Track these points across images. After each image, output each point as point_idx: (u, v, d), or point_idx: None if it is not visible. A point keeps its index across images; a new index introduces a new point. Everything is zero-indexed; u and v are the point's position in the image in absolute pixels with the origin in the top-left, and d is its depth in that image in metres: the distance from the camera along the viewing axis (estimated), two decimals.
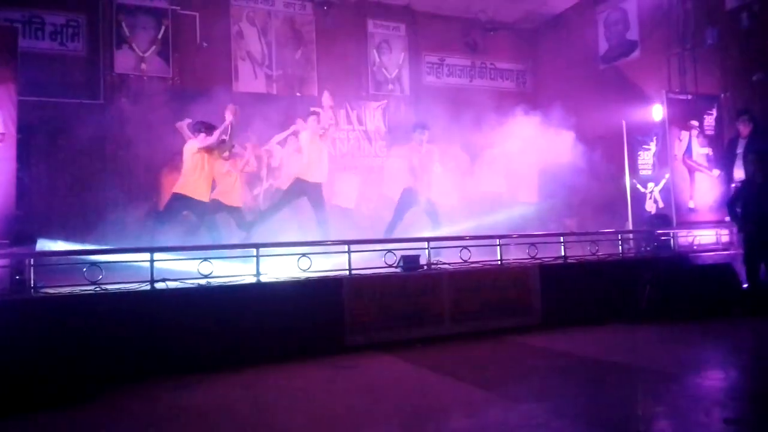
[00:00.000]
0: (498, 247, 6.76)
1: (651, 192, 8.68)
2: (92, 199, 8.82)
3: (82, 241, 7.43)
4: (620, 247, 7.54)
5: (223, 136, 7.76)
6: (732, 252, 7.82)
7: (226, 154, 7.95)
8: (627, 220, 8.97)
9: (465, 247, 6.54)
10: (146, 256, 5.36)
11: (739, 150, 8.02)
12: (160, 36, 9.86)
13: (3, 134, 5.20)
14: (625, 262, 7.28)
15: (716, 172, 8.44)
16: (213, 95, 9.50)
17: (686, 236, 7.99)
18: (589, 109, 10.09)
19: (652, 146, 8.72)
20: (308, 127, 8.37)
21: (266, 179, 9.98)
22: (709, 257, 7.68)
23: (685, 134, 8.36)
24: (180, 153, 7.92)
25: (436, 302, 6.06)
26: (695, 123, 8.41)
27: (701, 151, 8.44)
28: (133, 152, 9.30)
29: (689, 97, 8.67)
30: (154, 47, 9.81)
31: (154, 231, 7.56)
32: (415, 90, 11.96)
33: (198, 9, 10.17)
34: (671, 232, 7.94)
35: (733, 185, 8.06)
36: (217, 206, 7.99)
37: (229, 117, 7.81)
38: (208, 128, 7.65)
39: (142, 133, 9.25)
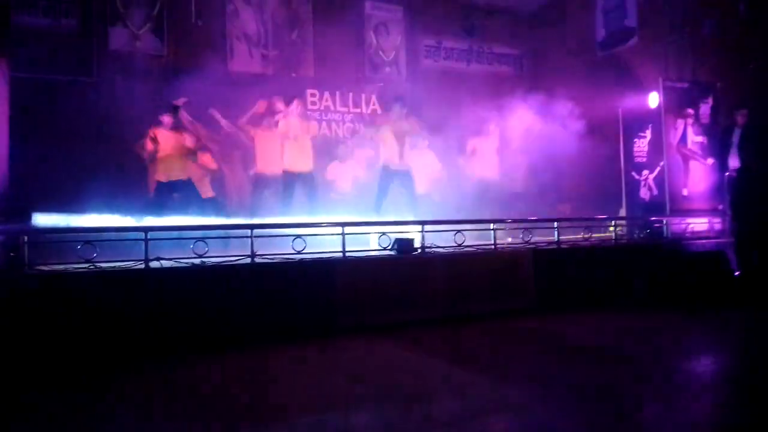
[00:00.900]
0: (492, 231, 6.78)
1: (645, 179, 8.70)
2: (86, 176, 8.74)
3: (77, 218, 7.40)
4: (614, 234, 7.58)
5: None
6: (724, 240, 7.88)
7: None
8: (621, 206, 9.01)
9: (459, 231, 6.55)
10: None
11: (735, 139, 8.05)
12: (154, 13, 9.74)
13: None
14: (618, 249, 7.32)
15: (710, 160, 8.48)
16: (207, 74, 9.42)
17: (679, 223, 8.04)
18: (586, 96, 10.06)
19: (648, 134, 8.72)
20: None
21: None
22: (701, 245, 7.74)
23: (680, 122, 8.38)
24: None
25: (430, 285, 6.08)
26: (691, 111, 8.43)
27: (696, 140, 8.47)
28: (126, 129, 9.20)
29: (686, 85, 8.67)
30: (148, 24, 9.69)
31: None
32: (412, 73, 11.89)
33: None
34: (664, 219, 7.99)
35: (727, 174, 8.10)
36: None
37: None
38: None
39: (135, 110, 9.15)
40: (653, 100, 8.57)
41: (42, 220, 6.25)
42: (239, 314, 5.24)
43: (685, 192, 8.28)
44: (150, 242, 5.33)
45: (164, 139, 7.76)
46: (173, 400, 3.85)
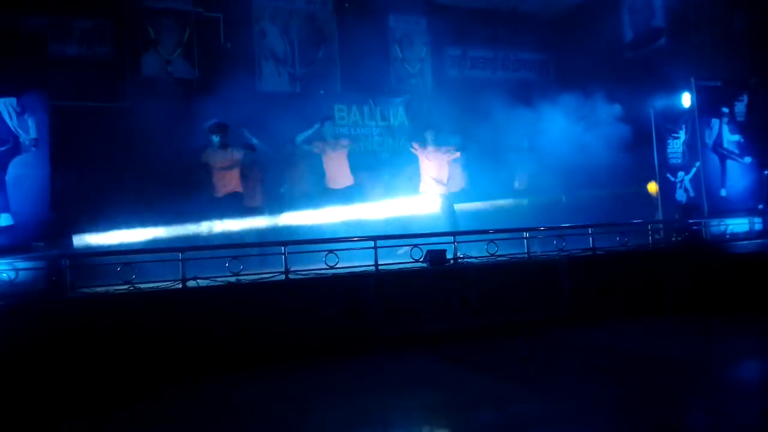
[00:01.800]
0: (525, 240, 6.72)
1: (681, 181, 8.53)
2: (123, 197, 8.97)
3: (114, 240, 7.59)
4: (650, 238, 7.44)
5: None
6: (766, 240, 7.66)
7: None
8: (657, 210, 8.84)
9: (492, 241, 6.51)
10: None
11: None
12: (184, 38, 9.97)
13: (36, 140, 5.33)
14: (655, 253, 7.17)
15: (748, 159, 8.27)
16: (237, 95, 9.59)
17: (718, 225, 7.85)
18: (615, 99, 9.95)
19: (682, 134, 8.56)
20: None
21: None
22: (742, 246, 7.53)
23: (715, 121, 8.21)
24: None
25: (464, 296, 6.05)
26: (725, 110, 8.25)
27: (732, 138, 8.28)
28: (160, 153, 9.42)
29: (718, 83, 8.49)
30: (179, 49, 9.93)
31: None
32: (438, 84, 11.91)
33: (221, 10, 10.26)
34: (702, 221, 7.80)
35: (767, 172, 7.90)
36: None
37: None
38: None
39: (168, 134, 9.36)
40: (686, 100, 8.42)
41: (82, 241, 6.43)
42: (276, 331, 5.29)
43: (723, 192, 8.09)
44: (188, 261, 5.43)
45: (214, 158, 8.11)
46: (215, 417, 3.90)
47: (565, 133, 9.57)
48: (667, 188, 8.66)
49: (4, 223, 5.12)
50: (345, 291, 5.66)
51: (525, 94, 11.05)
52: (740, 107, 8.35)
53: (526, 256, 6.61)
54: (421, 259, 6.19)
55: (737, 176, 8.19)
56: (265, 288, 5.45)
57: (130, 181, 9.11)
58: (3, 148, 5.20)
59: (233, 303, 5.29)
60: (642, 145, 9.28)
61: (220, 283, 5.40)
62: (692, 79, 8.37)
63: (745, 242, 7.65)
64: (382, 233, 7.10)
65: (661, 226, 8.06)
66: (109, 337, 4.79)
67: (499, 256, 6.47)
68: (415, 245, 6.27)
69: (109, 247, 6.84)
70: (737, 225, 7.93)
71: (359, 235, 6.89)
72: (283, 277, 5.59)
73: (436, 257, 6.21)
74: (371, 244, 6.12)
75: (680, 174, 8.52)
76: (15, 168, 5.22)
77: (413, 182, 8.94)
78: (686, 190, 8.40)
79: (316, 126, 8.88)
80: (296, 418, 3.81)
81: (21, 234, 5.16)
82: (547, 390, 4.10)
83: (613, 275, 6.65)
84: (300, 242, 6.60)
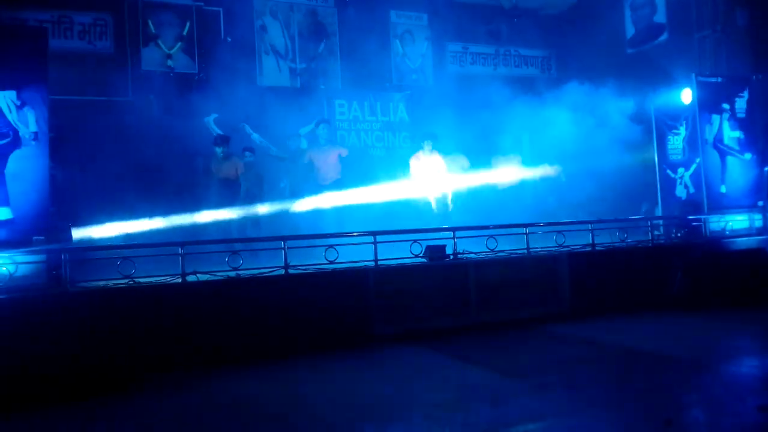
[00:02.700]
0: (525, 235, 6.72)
1: (681, 177, 8.52)
2: (123, 191, 8.98)
3: (114, 234, 7.60)
4: (650, 234, 7.44)
5: None
6: (766, 237, 7.65)
7: None
8: (657, 206, 8.84)
9: (492, 236, 6.51)
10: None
11: None
12: (185, 32, 9.96)
13: (36, 133, 5.32)
14: (655, 249, 7.17)
15: (748, 155, 8.26)
16: (238, 89, 9.59)
17: (718, 222, 7.84)
18: (617, 94, 9.92)
19: (682, 131, 8.55)
20: None
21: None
22: (742, 243, 7.53)
23: (715, 118, 8.19)
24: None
25: (463, 292, 6.05)
26: (726, 106, 8.23)
27: (733, 135, 8.26)
28: (160, 147, 9.43)
29: (719, 79, 8.47)
30: (179, 44, 9.92)
31: None
32: (439, 79, 11.89)
33: (222, 4, 10.25)
34: (702, 217, 7.80)
35: (767, 169, 7.89)
36: None
37: None
38: None
39: (169, 128, 9.38)
40: (686, 96, 8.40)
41: (81, 235, 6.44)
42: (276, 325, 5.30)
43: (723, 189, 8.08)
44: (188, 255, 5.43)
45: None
46: (213, 412, 3.91)
47: (566, 129, 9.55)
48: (667, 184, 8.66)
49: (4, 216, 5.13)
50: (344, 286, 5.66)
51: (526, 90, 11.03)
52: (741, 103, 8.33)
53: (526, 251, 6.61)
54: (421, 255, 6.19)
55: (737, 173, 8.18)
56: (264, 282, 5.45)
57: (129, 174, 9.12)
58: (3, 142, 5.20)
59: (233, 297, 5.30)
60: (643, 140, 9.28)
61: (219, 278, 5.41)
62: (693, 75, 8.35)
63: (745, 239, 7.65)
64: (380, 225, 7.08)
65: (661, 222, 8.06)
66: (109, 331, 4.79)
67: (499, 251, 6.47)
68: (415, 240, 6.26)
69: (109, 240, 6.85)
70: (737, 221, 7.92)
71: (358, 230, 6.89)
72: (282, 271, 5.60)
73: (435, 253, 6.21)
74: (371, 239, 6.12)
75: (680, 170, 8.52)
76: (15, 162, 5.22)
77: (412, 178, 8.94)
78: (686, 187, 8.40)
79: (317, 121, 8.88)
80: (296, 414, 3.82)
81: (21, 228, 5.16)
82: (547, 386, 4.10)
83: (613, 271, 6.65)
84: (299, 237, 6.60)
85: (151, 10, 9.80)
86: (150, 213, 8.05)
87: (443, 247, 6.30)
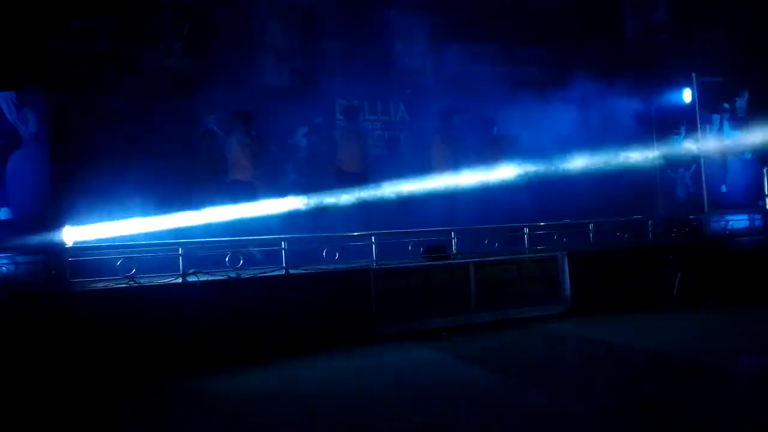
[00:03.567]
0: (525, 235, 6.72)
1: (681, 177, 8.52)
2: (123, 193, 8.98)
3: (114, 234, 7.58)
4: (650, 234, 7.43)
5: None
6: (766, 236, 7.65)
7: None
8: (657, 205, 8.83)
9: (492, 236, 6.52)
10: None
11: None
12: (184, 31, 9.94)
13: (35, 134, 5.33)
14: (655, 249, 7.17)
15: (748, 155, 8.25)
16: (237, 88, 9.57)
17: (718, 221, 7.84)
18: (617, 93, 9.92)
19: (682, 130, 8.54)
20: None
21: (292, 172, 10.02)
22: (742, 242, 7.53)
23: (716, 117, 8.19)
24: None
25: (463, 291, 6.05)
26: (726, 106, 8.23)
27: (733, 135, 8.26)
28: (161, 148, 9.43)
29: (720, 79, 8.47)
30: (179, 44, 9.91)
31: None
32: (439, 78, 11.87)
33: (222, 4, 10.23)
34: (702, 217, 7.79)
35: (767, 168, 7.89)
36: None
37: None
38: None
39: (169, 129, 9.37)
40: (687, 96, 8.40)
41: (81, 235, 6.42)
42: (276, 325, 5.29)
43: (723, 189, 8.08)
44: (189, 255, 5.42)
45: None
46: (214, 410, 3.91)
47: (567, 128, 9.54)
48: (667, 184, 8.66)
49: (4, 216, 5.13)
50: (345, 286, 5.66)
51: (526, 89, 11.01)
52: (741, 103, 8.33)
53: (526, 251, 6.61)
54: (421, 255, 6.19)
55: (737, 172, 8.17)
56: (265, 282, 5.45)
57: (129, 175, 9.11)
58: (2, 142, 5.20)
59: (233, 297, 5.29)
60: (642, 140, 9.27)
61: (220, 278, 5.40)
62: (693, 75, 8.35)
63: (744, 238, 7.64)
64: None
65: (661, 221, 8.05)
66: (108, 331, 4.79)
67: (500, 251, 6.47)
68: (415, 240, 6.26)
69: (109, 240, 6.84)
70: (737, 221, 7.92)
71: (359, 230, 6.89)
72: (283, 271, 5.59)
73: (435, 252, 6.21)
74: (371, 239, 6.12)
75: (680, 170, 8.51)
76: (15, 162, 5.23)
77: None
78: (686, 186, 8.40)
79: (318, 120, 8.85)
80: (297, 412, 3.82)
81: (20, 228, 5.16)
82: (547, 385, 4.10)
83: (613, 271, 6.65)
84: (299, 238, 6.60)
85: (151, 9, 9.78)
86: (150, 213, 8.04)
87: (443, 246, 6.30)
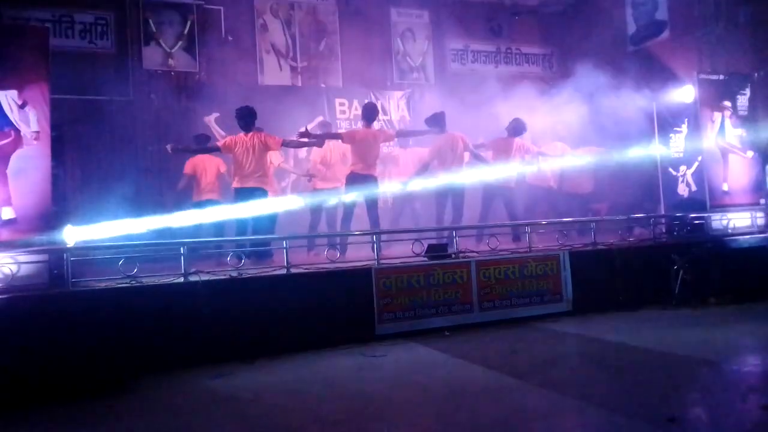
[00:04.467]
0: (527, 234, 6.72)
1: (683, 175, 8.50)
2: (125, 193, 9.00)
3: (116, 233, 7.57)
4: (652, 232, 7.43)
5: None
6: None
7: None
8: (659, 204, 8.82)
9: (493, 235, 6.52)
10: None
11: None
12: (186, 31, 9.96)
13: (37, 132, 5.32)
14: (657, 247, 7.17)
15: (750, 153, 8.25)
16: (239, 88, 9.59)
17: (720, 219, 7.84)
18: (618, 92, 9.91)
19: (684, 128, 8.52)
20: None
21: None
22: (744, 240, 7.53)
23: (717, 115, 8.17)
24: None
25: (465, 290, 6.06)
26: (728, 104, 8.22)
27: (735, 133, 8.25)
28: (162, 146, 9.45)
29: (721, 77, 8.46)
30: (180, 42, 9.92)
31: None
32: (440, 78, 11.88)
33: (222, 3, 10.24)
34: (704, 215, 7.79)
35: None
36: None
37: None
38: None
39: (171, 127, 9.39)
40: (688, 93, 8.38)
41: (82, 234, 6.43)
42: (278, 324, 5.29)
43: (725, 187, 8.06)
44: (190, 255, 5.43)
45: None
46: (215, 409, 3.91)
47: (566, 126, 9.54)
48: (669, 182, 8.65)
49: (6, 216, 5.13)
50: (346, 286, 5.66)
51: (527, 88, 11.01)
52: (743, 101, 8.31)
53: (528, 250, 6.61)
54: (423, 254, 6.19)
55: (739, 170, 8.17)
56: (266, 282, 5.45)
57: (131, 173, 9.14)
58: (4, 141, 5.20)
59: (235, 297, 5.30)
60: (644, 138, 9.26)
61: (222, 278, 5.41)
62: (695, 73, 8.34)
63: (747, 236, 7.64)
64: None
65: (663, 220, 8.05)
66: (110, 331, 4.79)
67: (501, 250, 6.47)
68: (417, 239, 6.27)
69: (111, 239, 6.84)
70: (739, 219, 7.91)
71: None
72: (284, 271, 5.60)
73: (437, 251, 6.21)
74: (372, 238, 6.13)
75: (682, 168, 8.50)
76: (16, 161, 5.22)
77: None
78: (688, 185, 8.39)
79: (318, 120, 8.86)
80: (298, 411, 3.82)
81: (23, 227, 5.16)
82: (549, 384, 4.10)
83: (615, 269, 6.65)
84: (301, 237, 6.62)
85: (152, 9, 9.81)
86: (151, 212, 8.05)
87: (445, 245, 6.30)
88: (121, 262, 5.20)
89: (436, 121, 7.90)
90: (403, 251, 6.34)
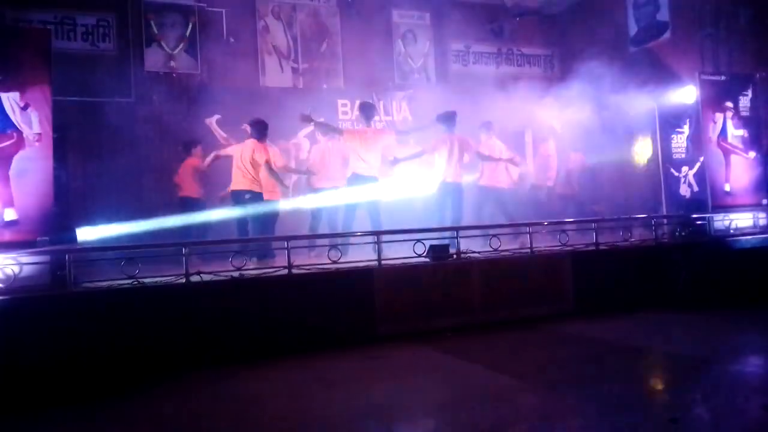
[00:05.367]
0: (529, 234, 6.71)
1: (685, 176, 8.49)
2: (127, 194, 9.02)
3: (118, 234, 7.58)
4: (654, 233, 7.42)
5: None
6: None
7: None
8: (661, 204, 8.82)
9: (495, 236, 6.51)
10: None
11: None
12: (187, 33, 9.97)
13: (39, 134, 5.33)
14: (659, 248, 7.16)
15: (752, 154, 8.24)
16: (240, 89, 9.61)
17: (722, 220, 7.82)
18: (620, 93, 9.92)
19: (686, 129, 8.52)
20: None
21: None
22: (746, 241, 7.51)
23: (719, 116, 8.16)
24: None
25: (467, 291, 6.05)
26: (730, 104, 8.21)
27: (736, 133, 8.23)
28: (164, 148, 9.47)
29: (723, 77, 8.45)
30: (182, 44, 9.94)
31: None
32: (442, 79, 11.89)
33: (224, 5, 10.25)
34: (706, 216, 7.78)
35: None
36: None
37: None
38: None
39: (173, 129, 9.41)
40: (690, 94, 8.38)
41: (86, 235, 6.44)
42: (279, 325, 5.29)
43: (727, 187, 8.05)
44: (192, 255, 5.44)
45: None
46: (218, 411, 3.91)
47: (568, 127, 9.54)
48: (671, 183, 8.64)
49: (9, 218, 5.13)
50: (348, 286, 5.65)
51: (529, 89, 11.00)
52: (745, 102, 8.30)
53: (530, 251, 6.60)
54: (424, 254, 6.18)
55: (741, 171, 8.15)
56: (268, 283, 5.45)
57: (132, 175, 9.15)
58: (6, 143, 5.21)
59: (237, 297, 5.30)
60: (645, 139, 9.27)
61: (223, 278, 5.41)
62: (697, 73, 8.33)
63: (749, 237, 7.62)
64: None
65: (665, 220, 8.04)
66: (112, 332, 4.80)
67: (503, 251, 6.46)
68: (418, 240, 6.26)
69: (113, 240, 6.86)
70: (741, 220, 7.90)
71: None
72: (286, 271, 5.59)
73: (439, 252, 6.20)
74: (374, 239, 6.12)
75: (684, 169, 8.49)
76: (19, 163, 5.23)
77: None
78: (690, 185, 8.38)
79: (319, 120, 8.86)
80: (300, 412, 3.82)
81: (25, 229, 5.17)
82: (551, 384, 4.10)
83: (617, 270, 6.64)
84: (303, 237, 6.62)
85: (154, 11, 9.82)
86: (153, 213, 8.06)
87: (447, 246, 6.30)
88: (123, 263, 5.20)
89: (447, 118, 7.95)
90: (404, 252, 6.33)
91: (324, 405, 3.93)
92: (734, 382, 4.06)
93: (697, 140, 8.25)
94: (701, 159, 8.19)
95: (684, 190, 8.51)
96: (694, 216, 7.84)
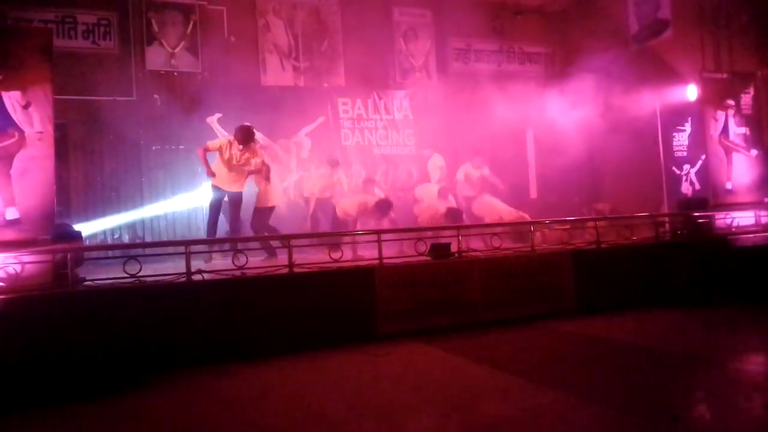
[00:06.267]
0: (530, 233, 6.71)
1: (687, 174, 8.49)
2: (128, 192, 9.03)
3: (119, 233, 7.61)
4: (656, 231, 7.41)
5: None
6: None
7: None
8: (662, 203, 8.81)
9: (496, 234, 6.51)
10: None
11: None
12: (188, 31, 9.96)
13: (41, 133, 5.32)
14: (660, 246, 7.15)
15: (754, 151, 8.23)
16: (241, 88, 9.60)
17: (724, 218, 7.81)
18: (621, 91, 9.91)
19: (687, 127, 8.52)
20: None
21: (296, 171, 10.05)
22: (748, 239, 7.50)
23: (721, 114, 8.15)
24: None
25: (468, 289, 6.05)
26: (731, 102, 8.20)
27: (738, 131, 8.22)
28: (166, 146, 9.47)
29: (724, 75, 8.44)
30: (183, 43, 9.93)
31: None
32: (442, 76, 11.87)
33: (225, 3, 10.24)
34: (708, 214, 7.77)
35: None
36: None
37: None
38: None
39: (174, 127, 9.41)
40: (691, 92, 8.37)
41: (86, 233, 6.44)
42: (281, 323, 5.30)
43: (728, 185, 8.04)
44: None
45: None
46: (220, 408, 3.92)
47: (569, 125, 9.53)
48: (672, 181, 8.63)
49: (11, 216, 5.14)
50: (349, 285, 5.65)
51: (530, 87, 11.00)
52: (746, 99, 8.29)
53: (531, 249, 6.60)
54: (426, 253, 6.18)
55: (743, 169, 8.14)
56: (269, 281, 5.45)
57: (134, 173, 9.16)
58: (8, 142, 5.21)
59: (238, 296, 5.30)
60: (647, 137, 9.25)
61: (224, 277, 5.41)
62: (698, 72, 8.32)
63: (751, 235, 7.61)
64: None
65: (666, 219, 8.04)
66: (113, 331, 4.81)
67: (504, 249, 6.46)
68: (420, 239, 6.26)
69: (114, 238, 6.87)
70: (743, 218, 7.89)
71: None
72: (287, 270, 5.60)
73: (440, 251, 6.20)
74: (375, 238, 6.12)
75: (686, 167, 8.49)
76: (20, 161, 5.23)
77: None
78: (692, 183, 8.37)
79: (320, 120, 8.88)
80: (301, 411, 3.82)
81: (27, 227, 5.17)
82: (552, 382, 4.09)
83: (618, 268, 6.63)
84: (304, 236, 6.62)
85: (155, 9, 9.81)
86: (153, 212, 8.07)
87: (448, 245, 6.29)
88: (125, 262, 5.20)
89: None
90: (404, 251, 6.34)
91: (324, 402, 3.93)
92: (736, 380, 4.05)
93: (698, 138, 8.25)
94: (703, 157, 8.18)
95: (686, 188, 8.51)
96: (696, 214, 7.83)
